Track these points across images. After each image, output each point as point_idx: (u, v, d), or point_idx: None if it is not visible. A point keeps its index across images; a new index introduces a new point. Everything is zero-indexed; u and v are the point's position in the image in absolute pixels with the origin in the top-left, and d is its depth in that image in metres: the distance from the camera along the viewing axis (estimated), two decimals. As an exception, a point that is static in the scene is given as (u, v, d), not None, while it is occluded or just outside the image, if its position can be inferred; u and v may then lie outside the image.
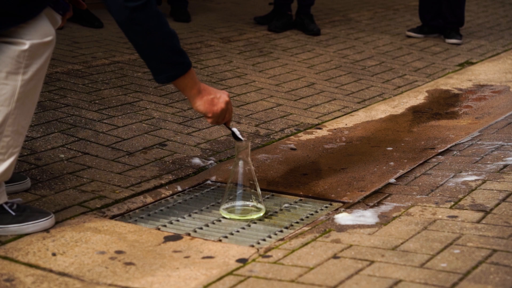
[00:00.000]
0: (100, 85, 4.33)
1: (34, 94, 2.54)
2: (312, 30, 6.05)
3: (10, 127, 2.51)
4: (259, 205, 2.91)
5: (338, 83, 4.92)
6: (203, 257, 2.49)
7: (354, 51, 5.72)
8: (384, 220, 2.76)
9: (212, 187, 3.21)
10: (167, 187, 3.17)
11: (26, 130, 2.58)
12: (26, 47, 2.46)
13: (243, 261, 2.46)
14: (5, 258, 2.45)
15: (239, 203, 2.90)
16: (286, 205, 3.03)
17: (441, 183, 3.12)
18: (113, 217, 2.85)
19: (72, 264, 2.43)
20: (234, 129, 2.86)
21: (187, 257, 2.50)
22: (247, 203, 2.90)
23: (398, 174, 3.27)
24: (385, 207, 2.89)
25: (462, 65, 5.63)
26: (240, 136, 2.86)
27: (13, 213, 2.61)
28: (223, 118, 2.79)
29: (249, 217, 2.88)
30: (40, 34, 2.49)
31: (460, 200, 2.92)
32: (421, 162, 3.43)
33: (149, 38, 2.55)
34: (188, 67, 2.66)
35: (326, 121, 4.17)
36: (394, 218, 2.78)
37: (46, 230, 2.65)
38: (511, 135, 3.78)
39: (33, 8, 2.46)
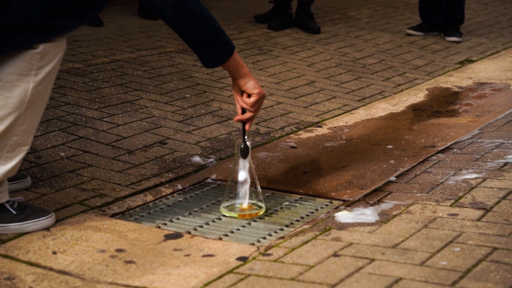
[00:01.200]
0: (100, 83, 4.33)
1: (45, 95, 2.56)
2: (312, 28, 6.05)
3: (20, 127, 2.53)
4: (259, 203, 2.91)
5: (338, 81, 4.92)
6: (204, 255, 2.49)
7: (354, 49, 5.72)
8: (385, 218, 2.76)
9: (212, 185, 3.21)
10: (167, 185, 3.17)
11: (35, 129, 2.60)
12: (38, 49, 2.47)
13: (243, 259, 2.46)
14: (5, 256, 2.45)
15: (239, 201, 2.90)
16: (287, 203, 3.03)
17: (441, 181, 3.12)
18: (113, 216, 2.85)
19: (73, 263, 2.43)
20: (248, 144, 2.86)
21: (187, 255, 2.50)
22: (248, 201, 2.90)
23: (398, 172, 3.27)
24: (386, 205, 2.89)
25: (462, 63, 5.63)
26: (249, 153, 2.85)
27: (14, 212, 2.61)
28: (259, 106, 2.81)
29: (249, 215, 2.88)
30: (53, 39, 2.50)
31: (460, 198, 2.92)
32: (421, 160, 3.43)
33: (202, 24, 2.63)
34: (233, 44, 2.74)
35: (326, 119, 4.17)
36: (394, 216, 2.78)
37: (47, 228, 2.65)
38: (511, 133, 3.78)
39: (70, 21, 2.50)
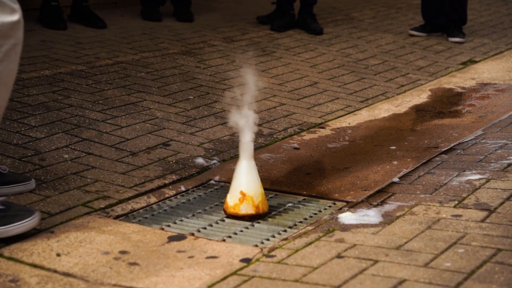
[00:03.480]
0: (104, 85, 4.33)
1: (8, 76, 2.51)
2: (315, 29, 6.05)
3: None
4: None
5: (341, 82, 4.92)
6: (207, 257, 2.50)
7: (357, 50, 5.72)
8: (388, 219, 2.76)
9: (215, 187, 3.21)
10: (170, 187, 3.17)
11: (3, 110, 2.54)
12: None
13: (247, 261, 2.46)
14: (9, 258, 2.46)
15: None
16: (290, 204, 3.03)
17: (445, 182, 3.12)
18: (117, 217, 2.85)
19: (77, 265, 2.43)
20: None
21: (191, 257, 2.50)
22: (251, 202, 2.91)
23: (401, 173, 3.27)
24: (389, 206, 2.89)
25: (465, 64, 5.63)
26: None
27: None
28: None
29: (253, 216, 2.88)
30: (6, 14, 2.46)
31: (464, 199, 2.92)
32: (424, 161, 3.43)
33: None
34: None
35: (329, 120, 4.17)
36: (398, 217, 2.78)
37: (51, 230, 2.65)
38: (514, 133, 3.78)
39: None
